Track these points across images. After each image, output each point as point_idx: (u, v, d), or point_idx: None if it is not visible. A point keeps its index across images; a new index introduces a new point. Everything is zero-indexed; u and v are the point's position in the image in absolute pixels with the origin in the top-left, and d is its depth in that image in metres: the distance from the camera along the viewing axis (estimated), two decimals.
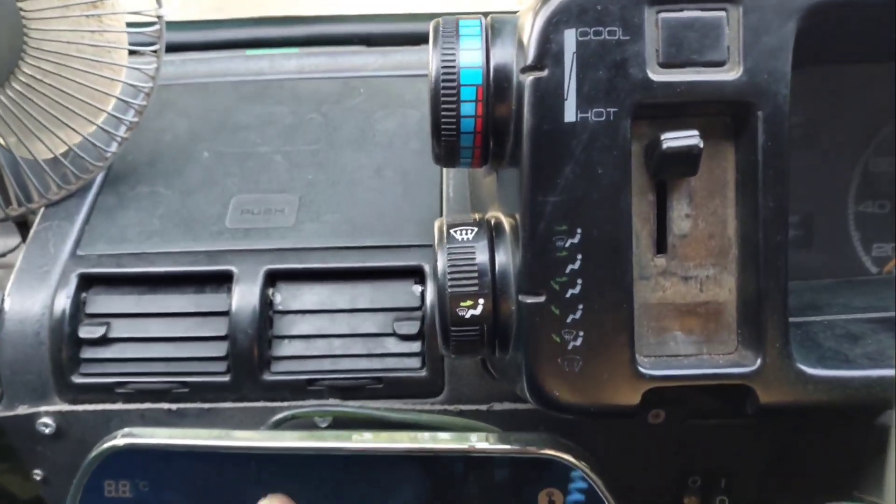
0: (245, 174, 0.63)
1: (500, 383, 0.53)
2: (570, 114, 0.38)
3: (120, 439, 0.48)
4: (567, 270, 0.39)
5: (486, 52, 0.40)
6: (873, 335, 0.44)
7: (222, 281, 0.56)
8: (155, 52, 0.61)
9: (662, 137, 0.38)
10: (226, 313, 0.54)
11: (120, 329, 0.55)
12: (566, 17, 0.38)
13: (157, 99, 0.63)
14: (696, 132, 0.38)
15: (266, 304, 0.54)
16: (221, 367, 0.54)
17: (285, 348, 0.54)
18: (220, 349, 0.54)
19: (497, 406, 0.53)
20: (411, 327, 0.54)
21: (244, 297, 0.54)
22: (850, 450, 0.47)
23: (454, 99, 0.40)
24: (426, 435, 0.47)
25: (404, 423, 0.52)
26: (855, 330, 0.44)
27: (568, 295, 0.39)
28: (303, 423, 0.53)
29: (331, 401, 0.53)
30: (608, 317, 0.39)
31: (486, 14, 0.43)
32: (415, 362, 0.54)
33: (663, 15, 0.38)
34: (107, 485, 0.49)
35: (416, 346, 0.54)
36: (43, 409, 0.55)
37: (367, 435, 0.47)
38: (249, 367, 0.53)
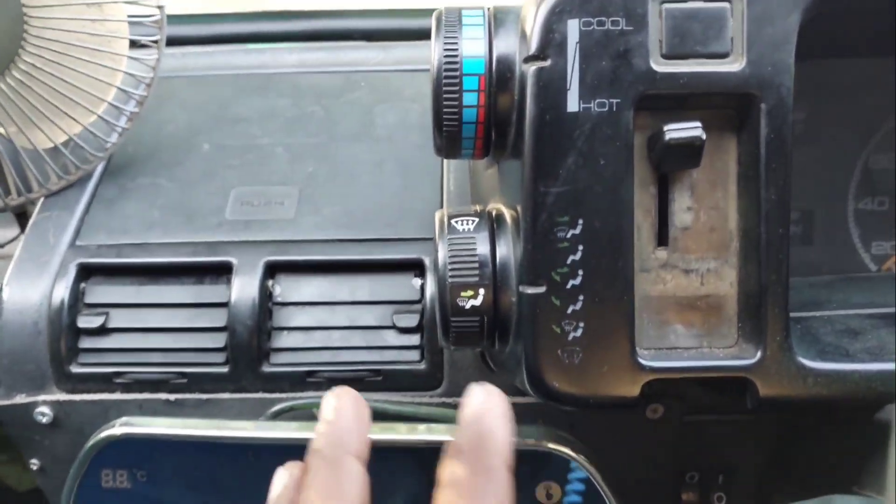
0: (245, 166, 0.63)
1: (499, 376, 0.53)
2: (572, 104, 0.38)
3: (117, 429, 0.48)
4: (568, 261, 0.39)
5: (489, 42, 0.40)
6: (873, 331, 0.43)
7: (222, 272, 0.56)
8: (156, 42, 0.61)
9: (665, 129, 0.38)
10: (225, 304, 0.54)
11: (119, 319, 0.55)
12: (569, 7, 0.38)
13: (157, 91, 0.63)
14: (698, 124, 0.38)
15: (265, 295, 0.54)
16: (220, 357, 0.54)
17: (284, 340, 0.54)
18: (219, 340, 0.54)
19: None
20: (411, 320, 0.54)
21: (244, 288, 0.54)
22: (849, 445, 0.47)
23: (456, 89, 0.40)
24: (424, 427, 0.46)
25: (403, 416, 0.52)
26: (855, 325, 0.44)
27: (569, 286, 0.39)
28: (301, 415, 0.53)
29: None
30: (609, 308, 0.39)
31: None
32: (414, 355, 0.54)
33: (667, 6, 0.38)
34: (104, 474, 0.49)
35: (415, 339, 0.54)
36: (41, 398, 0.54)
37: None
38: (248, 358, 0.53)
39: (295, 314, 0.55)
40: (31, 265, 0.56)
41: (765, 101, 0.38)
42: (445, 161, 0.61)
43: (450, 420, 0.51)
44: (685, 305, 0.41)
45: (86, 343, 0.54)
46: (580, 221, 0.39)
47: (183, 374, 0.54)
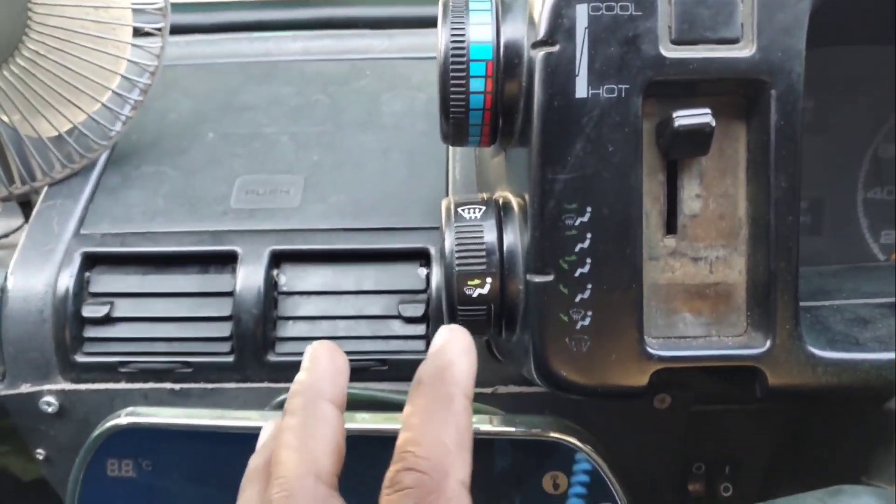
0: (250, 155, 0.62)
1: (506, 366, 0.52)
2: (581, 90, 0.37)
3: (123, 418, 0.48)
4: (576, 249, 0.39)
5: (497, 28, 0.40)
6: (883, 319, 0.43)
7: (227, 261, 0.55)
8: (160, 30, 0.61)
9: (674, 115, 0.37)
10: (230, 294, 0.54)
11: (123, 308, 0.54)
12: None
13: (161, 79, 0.62)
14: (708, 110, 0.37)
15: (271, 284, 0.54)
16: (225, 347, 0.54)
17: (290, 329, 0.54)
18: (224, 329, 0.54)
19: (502, 389, 0.53)
20: (416, 310, 0.53)
21: (249, 277, 0.54)
22: (857, 436, 0.46)
23: (463, 75, 0.40)
24: None
25: None
26: (865, 314, 0.44)
27: (577, 274, 0.39)
28: None
29: None
30: (617, 296, 0.39)
31: None
32: (419, 345, 0.53)
33: None
34: (109, 464, 0.49)
35: (420, 329, 0.54)
36: (46, 387, 0.54)
37: (370, 416, 0.47)
38: (254, 347, 0.53)
39: (300, 303, 0.54)
40: (36, 254, 0.56)
41: (775, 87, 0.38)
42: (451, 149, 0.61)
43: None
44: (694, 294, 0.41)
45: (91, 332, 0.54)
46: (588, 209, 0.38)
47: (188, 364, 0.54)
